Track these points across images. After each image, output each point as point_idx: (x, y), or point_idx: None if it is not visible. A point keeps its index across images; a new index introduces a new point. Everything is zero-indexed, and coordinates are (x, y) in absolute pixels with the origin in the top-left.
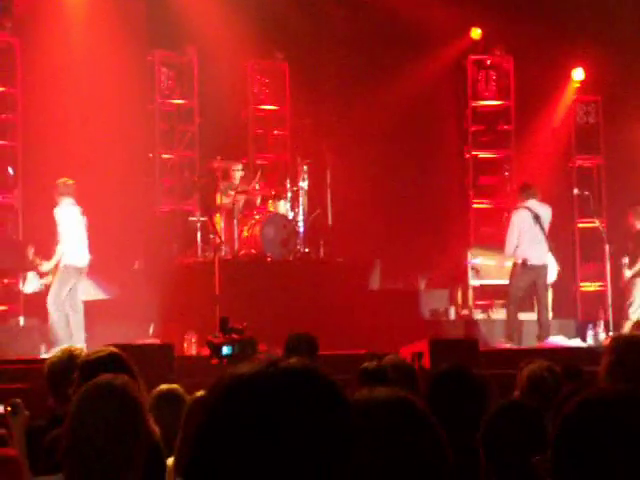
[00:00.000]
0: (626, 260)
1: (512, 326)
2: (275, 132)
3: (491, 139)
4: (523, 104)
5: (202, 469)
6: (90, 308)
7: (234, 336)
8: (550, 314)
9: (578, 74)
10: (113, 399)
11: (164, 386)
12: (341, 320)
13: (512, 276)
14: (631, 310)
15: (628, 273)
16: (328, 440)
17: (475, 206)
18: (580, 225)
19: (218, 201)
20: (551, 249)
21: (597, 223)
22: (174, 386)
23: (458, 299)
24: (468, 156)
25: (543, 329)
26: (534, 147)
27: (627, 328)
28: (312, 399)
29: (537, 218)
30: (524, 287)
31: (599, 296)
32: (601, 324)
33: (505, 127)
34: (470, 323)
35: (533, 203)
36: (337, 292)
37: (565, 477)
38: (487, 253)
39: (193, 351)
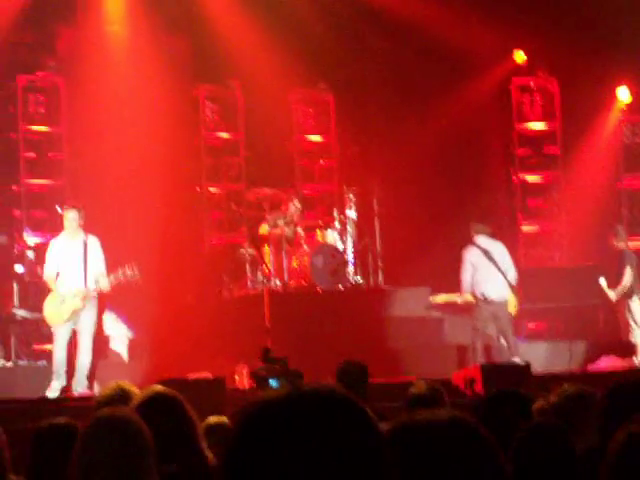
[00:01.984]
0: (603, 281)
1: (475, 356)
2: (321, 162)
3: (538, 162)
4: (569, 126)
5: None
6: (138, 343)
7: (275, 367)
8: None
9: (623, 94)
10: (116, 431)
11: (212, 418)
12: (393, 347)
13: (474, 312)
14: (632, 334)
15: (612, 294)
16: (354, 464)
17: (524, 229)
18: (630, 244)
19: (265, 231)
20: (511, 283)
21: None
22: (222, 418)
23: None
24: (515, 179)
25: (514, 352)
26: (582, 169)
27: None
28: (337, 422)
29: (487, 253)
30: (483, 320)
31: None
32: None
33: (552, 149)
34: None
35: (482, 239)
36: (387, 319)
37: None
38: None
39: (245, 384)
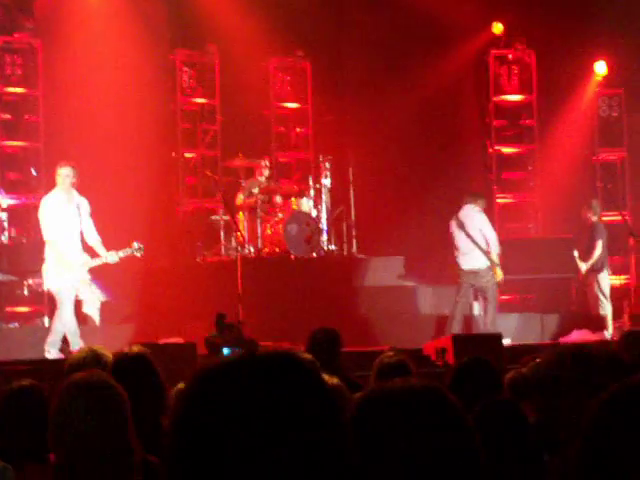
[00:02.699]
0: (576, 253)
1: (451, 326)
2: (297, 130)
3: (514, 134)
4: (545, 98)
5: (179, 461)
6: (111, 307)
7: (230, 334)
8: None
9: (600, 67)
10: (93, 394)
11: (183, 384)
12: (365, 316)
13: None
14: (602, 308)
15: (583, 266)
16: (307, 425)
17: (499, 201)
18: (604, 219)
19: (241, 199)
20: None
21: (621, 216)
22: None
23: None
24: (491, 151)
25: (489, 324)
26: (557, 141)
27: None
28: (288, 384)
29: (461, 225)
30: (464, 291)
31: (624, 289)
32: (626, 317)
33: (528, 122)
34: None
35: (464, 211)
36: (360, 288)
37: None
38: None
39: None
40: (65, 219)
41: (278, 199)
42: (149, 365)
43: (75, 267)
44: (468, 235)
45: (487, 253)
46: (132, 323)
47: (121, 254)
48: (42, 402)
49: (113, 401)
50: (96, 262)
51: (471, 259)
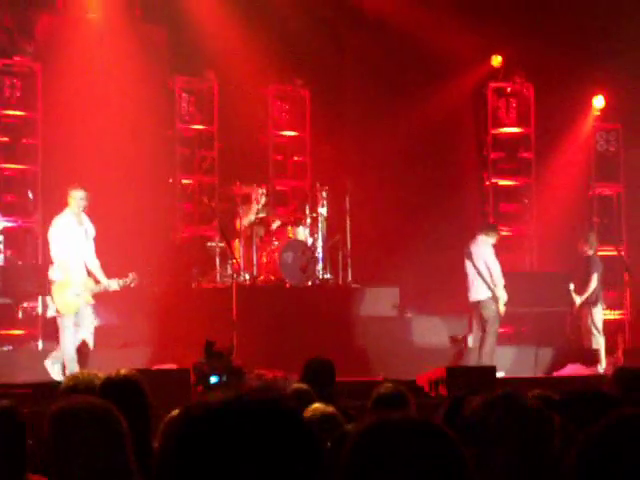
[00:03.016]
0: (572, 286)
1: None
2: (295, 158)
3: (511, 167)
4: (543, 132)
5: None
6: (104, 332)
7: (218, 362)
8: (489, 346)
9: (598, 102)
10: (94, 418)
11: (176, 412)
12: (359, 346)
13: None
14: (595, 341)
15: (578, 299)
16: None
17: None
18: (600, 253)
19: (237, 226)
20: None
21: (616, 251)
22: None
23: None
24: (488, 183)
25: (484, 356)
26: (554, 175)
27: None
28: (274, 432)
29: (469, 256)
30: (475, 322)
31: (618, 324)
32: (620, 352)
33: (525, 155)
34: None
35: (474, 240)
36: (355, 318)
37: None
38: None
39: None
40: (74, 241)
41: (275, 225)
42: (137, 386)
43: (81, 292)
44: (474, 266)
45: (490, 284)
46: (126, 349)
47: (121, 283)
48: (18, 425)
49: (114, 425)
50: (99, 288)
51: (474, 289)
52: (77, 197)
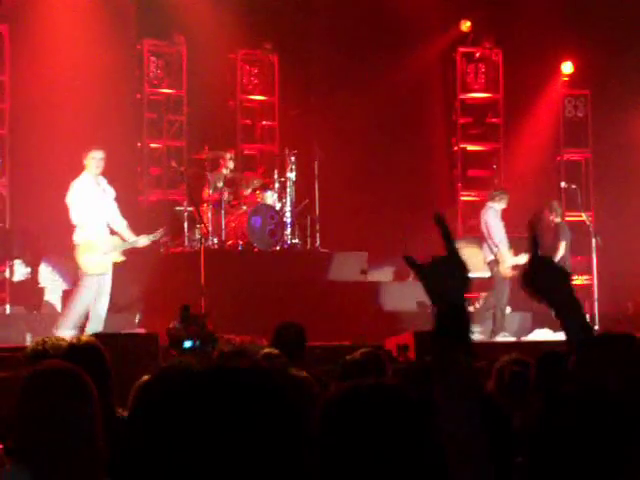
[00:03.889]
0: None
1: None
2: (263, 123)
3: (479, 132)
4: (512, 97)
5: (129, 455)
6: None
7: (193, 327)
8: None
9: (567, 68)
10: (60, 383)
11: (147, 377)
12: (328, 311)
13: None
14: None
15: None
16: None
17: (463, 198)
18: (568, 218)
19: (207, 193)
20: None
21: (584, 216)
22: None
23: None
24: (456, 148)
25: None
26: (522, 140)
27: None
28: (253, 397)
29: (479, 221)
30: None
31: (586, 289)
32: (587, 317)
33: (494, 120)
34: None
35: (484, 208)
36: (323, 283)
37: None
38: (472, 246)
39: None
40: (94, 204)
41: (247, 192)
42: (99, 352)
43: (109, 248)
44: (480, 229)
45: (493, 247)
46: None
47: (152, 237)
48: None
49: (84, 390)
50: (126, 245)
51: (483, 252)
52: (97, 157)
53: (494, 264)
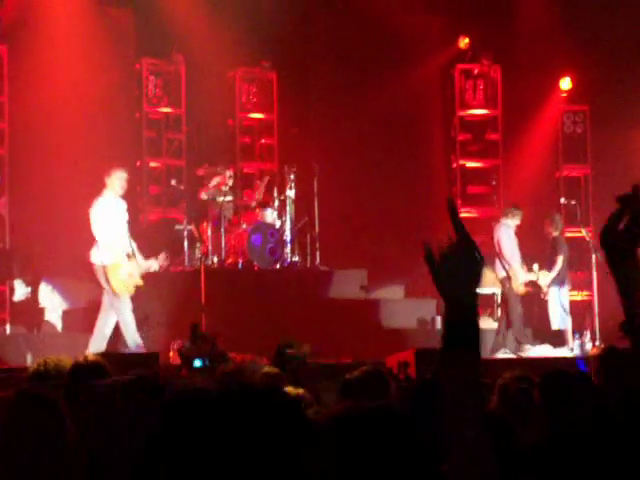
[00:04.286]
0: (536, 267)
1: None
2: (262, 141)
3: (479, 148)
4: (510, 113)
5: (147, 469)
6: (75, 315)
7: (202, 346)
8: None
9: (565, 84)
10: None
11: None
12: (328, 328)
13: None
14: (562, 323)
15: (544, 281)
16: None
17: (463, 215)
18: (567, 234)
19: (205, 210)
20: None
21: (584, 232)
22: None
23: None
24: (456, 165)
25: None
26: (521, 156)
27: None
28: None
29: (492, 237)
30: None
31: (586, 305)
32: (587, 333)
33: (492, 136)
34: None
35: (497, 224)
36: (324, 300)
37: None
38: None
39: (178, 360)
40: (116, 223)
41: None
42: (103, 371)
43: (134, 269)
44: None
45: (505, 264)
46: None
47: (160, 262)
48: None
49: (53, 421)
50: (142, 269)
51: (495, 269)
52: (122, 177)
53: (506, 281)
